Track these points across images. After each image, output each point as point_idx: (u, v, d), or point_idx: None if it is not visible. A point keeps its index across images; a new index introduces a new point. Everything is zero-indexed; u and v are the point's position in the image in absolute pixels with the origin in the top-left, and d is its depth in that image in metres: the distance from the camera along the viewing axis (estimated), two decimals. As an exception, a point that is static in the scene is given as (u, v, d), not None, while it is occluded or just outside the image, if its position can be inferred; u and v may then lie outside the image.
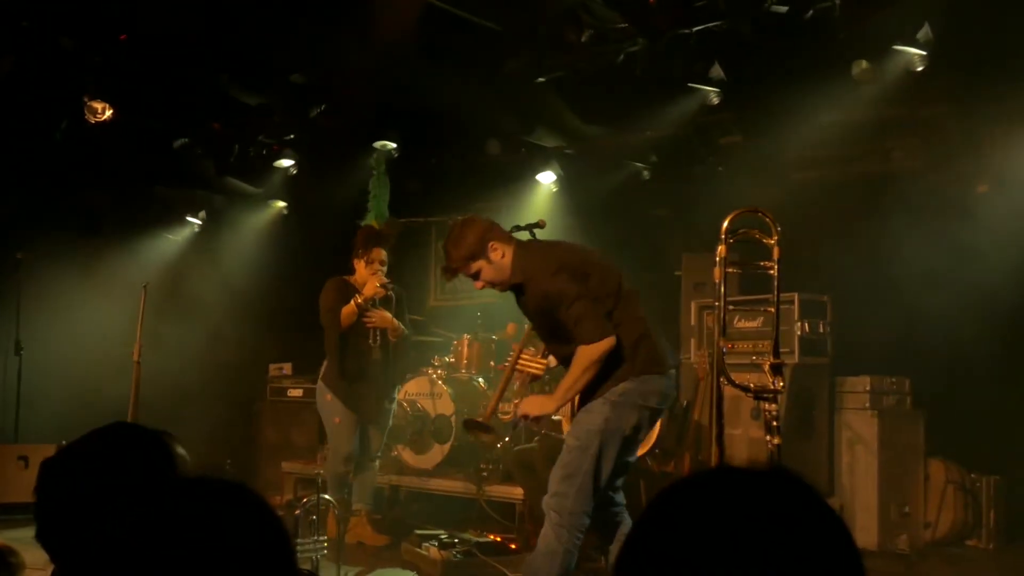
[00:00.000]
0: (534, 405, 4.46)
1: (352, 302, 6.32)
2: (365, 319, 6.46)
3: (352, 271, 6.67)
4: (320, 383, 6.64)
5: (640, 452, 6.09)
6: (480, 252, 4.42)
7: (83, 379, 8.67)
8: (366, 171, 9.33)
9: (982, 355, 6.89)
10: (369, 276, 6.41)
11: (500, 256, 4.43)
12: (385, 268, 6.54)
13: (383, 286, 6.40)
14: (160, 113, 8.66)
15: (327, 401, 6.57)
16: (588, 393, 4.36)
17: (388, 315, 6.58)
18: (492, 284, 4.52)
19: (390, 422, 7.00)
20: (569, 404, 5.92)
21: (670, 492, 1.04)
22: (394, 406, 7.03)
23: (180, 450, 1.93)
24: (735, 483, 1.03)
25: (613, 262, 4.54)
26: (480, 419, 4.44)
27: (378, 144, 9.05)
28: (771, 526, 0.97)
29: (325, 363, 6.64)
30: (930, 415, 6.92)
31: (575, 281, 4.23)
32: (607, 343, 4.17)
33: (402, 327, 6.71)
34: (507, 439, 6.71)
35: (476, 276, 4.49)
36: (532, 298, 4.39)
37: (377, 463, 6.98)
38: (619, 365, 4.27)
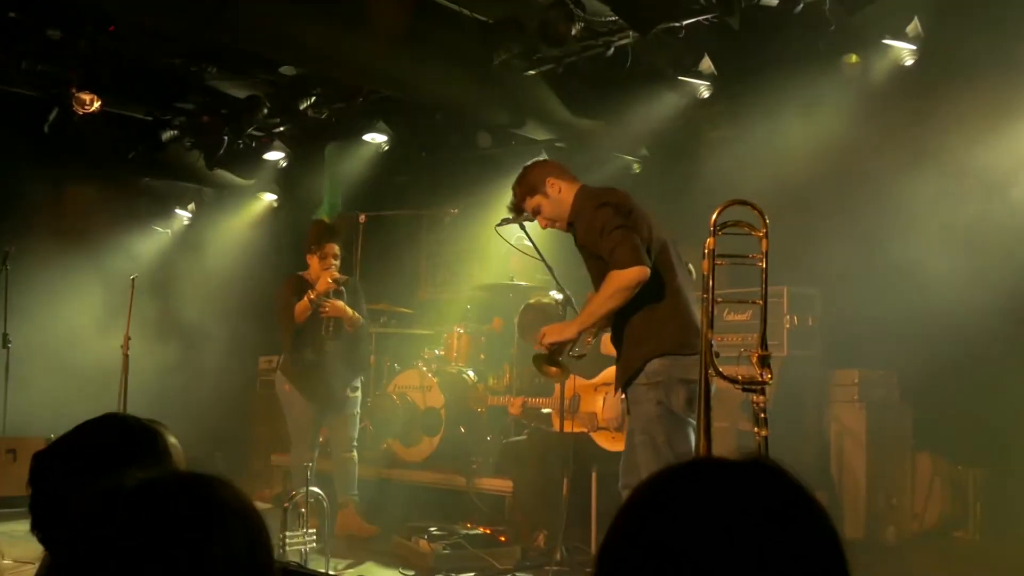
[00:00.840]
0: (554, 331, 4.38)
1: (305, 297, 6.44)
2: (321, 310, 6.58)
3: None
4: (279, 373, 6.76)
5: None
6: (539, 187, 4.48)
7: (72, 372, 8.65)
8: (356, 163, 9.34)
9: (970, 349, 6.91)
10: (322, 271, 6.52)
11: (558, 191, 4.47)
12: (338, 262, 6.65)
13: (335, 280, 6.52)
14: (149, 105, 8.65)
15: (286, 391, 6.70)
16: (622, 369, 4.31)
17: (342, 304, 6.67)
18: (553, 222, 4.54)
19: (357, 410, 7.02)
20: (562, 400, 5.95)
21: (652, 482, 1.05)
22: (359, 394, 7.05)
23: (173, 440, 1.93)
24: (717, 473, 1.04)
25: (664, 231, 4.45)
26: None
27: (367, 136, 9.05)
28: (753, 515, 0.97)
29: (283, 355, 6.75)
30: (918, 408, 6.95)
31: (619, 215, 4.17)
32: (639, 271, 4.04)
33: (358, 317, 6.78)
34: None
35: (537, 212, 4.55)
36: (580, 234, 4.35)
37: (355, 453, 6.95)
38: (647, 336, 4.19)
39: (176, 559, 1.07)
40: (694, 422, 4.16)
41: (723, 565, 0.94)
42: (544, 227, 4.62)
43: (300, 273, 6.73)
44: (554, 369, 4.44)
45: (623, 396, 4.43)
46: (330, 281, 6.47)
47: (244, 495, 1.20)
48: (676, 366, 4.15)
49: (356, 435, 6.98)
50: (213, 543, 1.10)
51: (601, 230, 4.16)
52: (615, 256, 4.09)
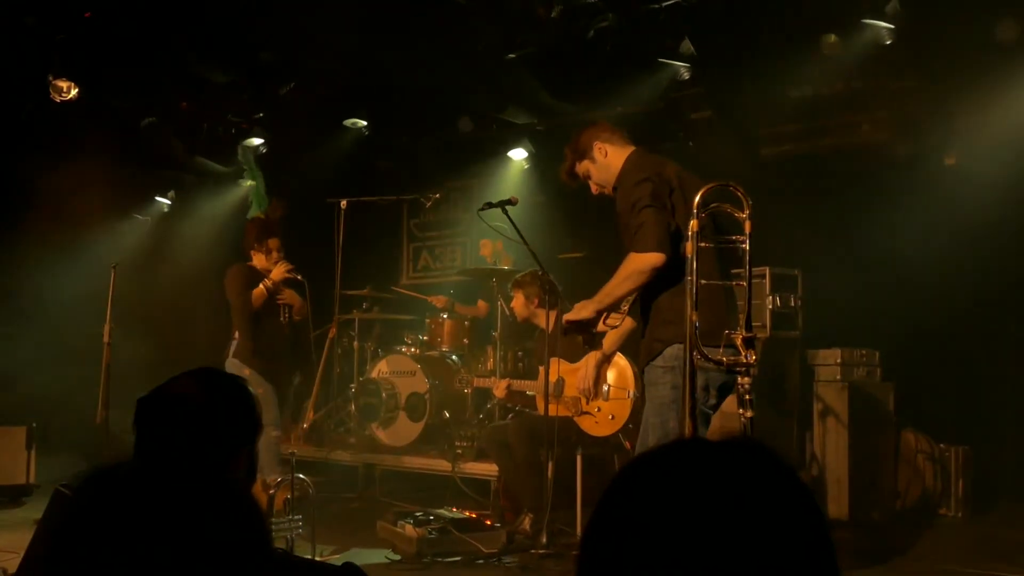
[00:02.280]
0: (575, 310, 4.33)
1: (262, 285, 6.71)
2: (279, 298, 6.86)
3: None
4: (234, 360, 6.84)
5: (615, 429, 6.15)
6: (587, 152, 4.45)
7: (53, 361, 8.60)
8: (337, 149, 9.30)
9: (951, 327, 6.97)
10: (272, 264, 6.82)
11: (604, 156, 4.42)
12: (282, 252, 6.91)
13: (289, 271, 6.82)
14: (127, 92, 8.57)
15: (246, 376, 6.71)
16: (645, 349, 4.26)
17: (294, 292, 6.95)
18: (602, 188, 4.48)
19: (291, 396, 7.45)
20: (547, 384, 5.95)
21: (635, 464, 1.05)
22: (296, 380, 7.50)
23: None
24: (699, 454, 1.04)
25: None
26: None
27: (348, 122, 9.01)
28: (736, 495, 0.97)
29: (234, 343, 6.85)
30: (900, 387, 6.98)
31: (655, 193, 4.10)
32: (656, 258, 4.01)
33: (307, 306, 7.03)
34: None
35: (588, 178, 4.50)
36: (619, 204, 4.30)
37: (280, 433, 7.16)
38: (672, 320, 4.09)
39: (175, 540, 1.06)
40: (708, 410, 4.17)
41: (707, 545, 0.94)
42: (596, 192, 4.53)
43: (249, 264, 6.95)
44: (585, 336, 4.46)
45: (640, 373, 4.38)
46: (285, 272, 6.78)
47: (234, 479, 1.20)
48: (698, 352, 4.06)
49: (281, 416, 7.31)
50: (210, 524, 1.09)
51: (633, 206, 4.11)
52: (637, 237, 4.06)
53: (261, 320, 6.81)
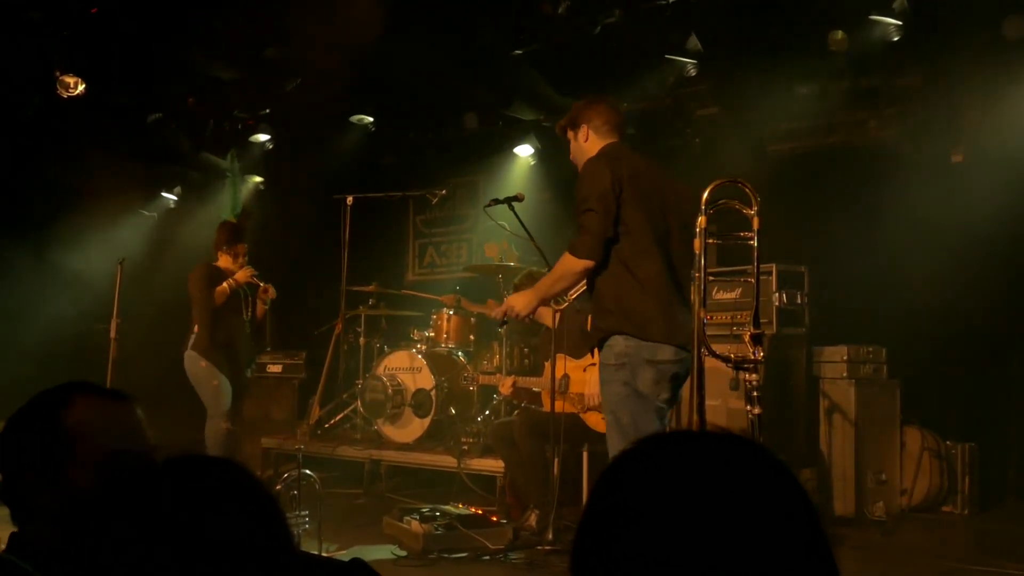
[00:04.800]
0: (518, 300, 4.59)
1: (226, 283, 7.09)
2: (262, 294, 7.28)
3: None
4: (192, 352, 7.09)
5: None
6: (572, 125, 4.63)
7: (60, 356, 8.61)
8: (343, 145, 9.30)
9: (957, 324, 6.95)
10: (238, 267, 7.22)
11: (585, 140, 4.59)
12: (247, 258, 7.32)
13: (252, 276, 7.22)
14: (133, 88, 8.57)
15: (202, 368, 7.12)
16: (591, 334, 4.47)
17: (261, 303, 7.37)
18: (573, 161, 4.70)
19: (248, 390, 7.75)
20: (553, 380, 5.95)
21: (622, 458, 1.05)
22: (250, 373, 7.72)
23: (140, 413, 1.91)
24: (686, 446, 1.04)
25: (679, 208, 4.42)
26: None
27: (354, 118, 9.01)
28: (724, 485, 0.97)
29: (193, 335, 7.09)
30: (906, 384, 6.97)
31: (605, 198, 4.24)
32: (581, 264, 4.26)
33: (268, 295, 7.35)
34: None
35: (567, 144, 4.72)
36: (577, 186, 4.46)
37: (234, 429, 7.47)
38: (612, 310, 4.27)
39: (201, 534, 1.06)
40: (662, 404, 4.24)
41: (697, 538, 0.94)
42: (571, 159, 4.72)
43: (213, 264, 7.28)
44: (585, 335, 4.72)
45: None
46: (250, 276, 7.20)
47: (255, 475, 1.20)
48: (643, 348, 4.20)
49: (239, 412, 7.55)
50: (235, 519, 1.09)
51: (582, 202, 4.28)
52: (576, 241, 4.28)
53: (224, 316, 7.13)
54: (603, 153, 4.48)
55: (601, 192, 4.24)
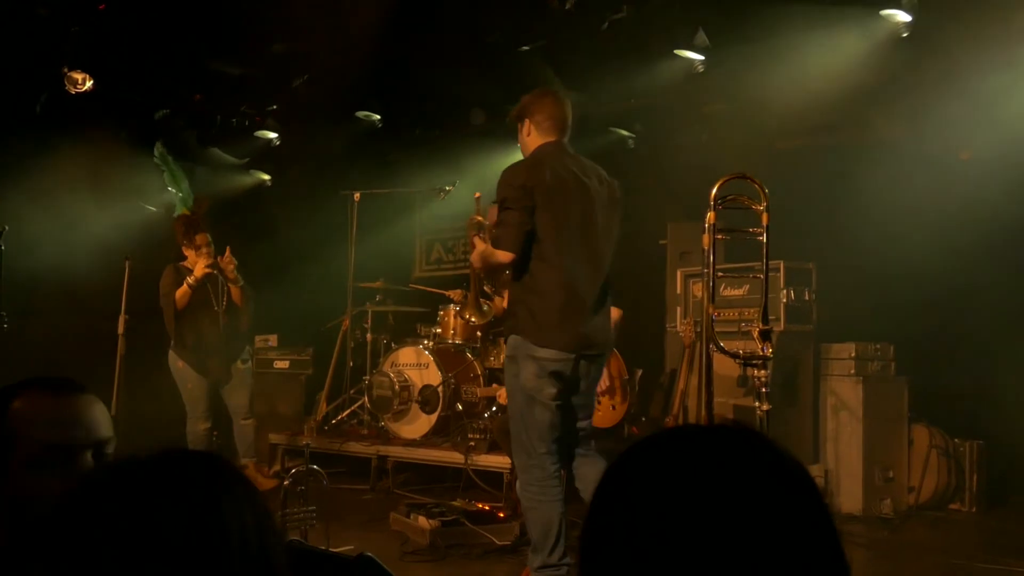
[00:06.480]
0: (476, 255, 4.58)
1: (184, 284, 7.19)
2: (228, 277, 7.29)
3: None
4: (172, 352, 7.31)
5: (619, 418, 6.18)
6: (518, 118, 4.72)
7: (67, 353, 8.61)
8: (350, 141, 9.29)
9: (965, 321, 6.94)
10: (198, 259, 7.28)
11: (527, 135, 4.68)
12: (212, 246, 7.35)
13: (209, 266, 7.25)
14: (141, 84, 8.57)
15: (179, 368, 7.33)
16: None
17: (236, 287, 7.37)
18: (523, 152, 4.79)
19: (250, 380, 7.80)
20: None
21: (627, 452, 1.05)
22: (249, 365, 7.83)
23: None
24: (691, 439, 1.04)
25: (601, 216, 4.59)
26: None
27: (361, 114, 9.00)
28: (733, 479, 0.97)
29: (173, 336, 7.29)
30: (914, 381, 6.97)
31: (522, 197, 4.35)
32: (499, 256, 4.37)
33: (248, 292, 7.45)
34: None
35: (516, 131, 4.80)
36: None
37: (252, 420, 7.71)
38: (511, 311, 4.51)
39: (190, 527, 1.05)
40: (548, 400, 4.37)
41: (705, 532, 0.93)
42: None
43: (179, 263, 7.39)
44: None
45: None
46: (205, 268, 7.21)
47: (240, 470, 1.20)
48: (528, 345, 4.40)
49: (250, 403, 7.69)
50: (224, 511, 1.08)
51: (502, 201, 4.41)
52: (498, 234, 4.42)
53: (193, 315, 7.22)
54: (531, 157, 4.61)
55: (520, 195, 4.37)
